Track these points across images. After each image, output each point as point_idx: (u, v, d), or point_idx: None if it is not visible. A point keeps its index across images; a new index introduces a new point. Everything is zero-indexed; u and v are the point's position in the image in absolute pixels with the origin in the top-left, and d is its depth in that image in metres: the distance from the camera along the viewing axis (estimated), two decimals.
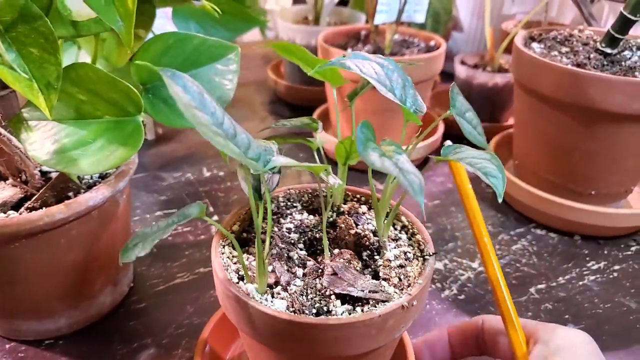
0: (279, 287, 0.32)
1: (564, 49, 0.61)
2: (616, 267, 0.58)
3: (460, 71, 0.83)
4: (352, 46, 0.77)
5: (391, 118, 0.73)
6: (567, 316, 0.51)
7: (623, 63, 0.57)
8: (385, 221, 0.36)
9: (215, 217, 0.63)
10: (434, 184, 0.74)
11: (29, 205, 0.39)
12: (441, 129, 0.78)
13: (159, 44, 0.42)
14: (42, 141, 0.36)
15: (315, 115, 0.82)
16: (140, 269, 0.54)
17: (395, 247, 0.36)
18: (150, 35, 0.55)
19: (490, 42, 0.81)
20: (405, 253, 0.35)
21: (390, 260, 0.35)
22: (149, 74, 0.42)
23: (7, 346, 0.45)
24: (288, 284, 0.32)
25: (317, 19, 0.96)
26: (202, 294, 0.51)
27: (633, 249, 0.62)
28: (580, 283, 0.56)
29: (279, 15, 0.96)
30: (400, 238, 0.37)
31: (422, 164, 0.79)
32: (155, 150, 0.79)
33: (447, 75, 0.99)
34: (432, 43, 0.77)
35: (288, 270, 0.33)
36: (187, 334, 0.47)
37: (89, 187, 0.42)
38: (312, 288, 0.32)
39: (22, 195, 0.41)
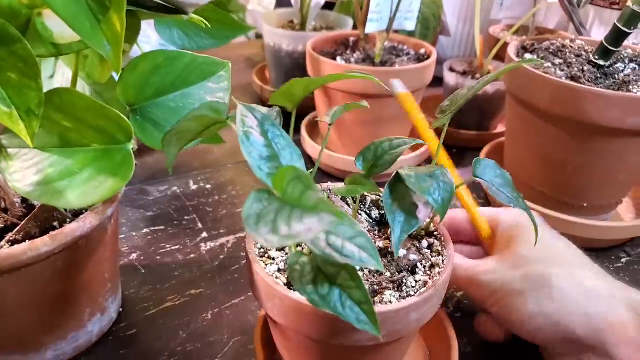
0: None
1: (557, 61, 0.61)
2: None
3: (450, 79, 0.83)
4: (340, 54, 0.76)
5: (380, 129, 0.72)
6: None
7: (617, 76, 0.57)
8: None
9: (205, 234, 0.61)
10: None
11: (11, 238, 0.36)
12: None
13: (147, 62, 0.40)
14: (23, 171, 0.34)
15: (304, 124, 0.81)
16: (128, 292, 0.52)
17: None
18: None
19: (480, 50, 0.80)
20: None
21: None
22: (137, 94, 0.41)
23: None
24: None
25: (304, 23, 0.94)
26: (194, 318, 0.50)
27: (623, 260, 0.62)
28: None
29: (263, 19, 0.94)
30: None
31: None
32: (139, 162, 0.76)
33: (434, 80, 0.98)
34: (422, 51, 0.76)
35: None
36: None
37: (75, 215, 0.40)
38: None
39: (2, 226, 0.38)
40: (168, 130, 0.32)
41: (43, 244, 0.35)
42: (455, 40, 1.07)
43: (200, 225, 0.63)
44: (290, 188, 0.25)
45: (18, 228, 0.37)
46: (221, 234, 0.62)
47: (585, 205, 0.61)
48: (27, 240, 0.35)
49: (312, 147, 0.75)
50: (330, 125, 0.39)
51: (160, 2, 0.41)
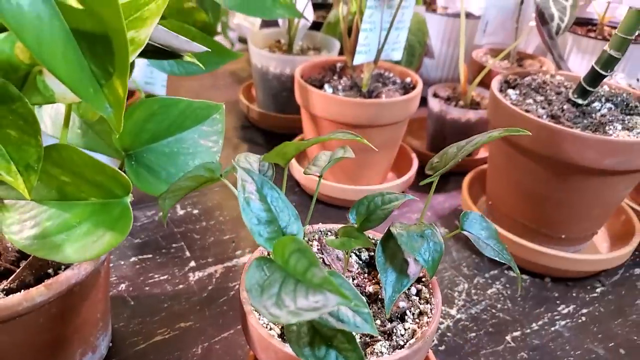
0: None
1: (538, 98, 0.63)
2: (584, 311, 0.60)
3: (434, 105, 0.84)
4: (328, 80, 0.77)
5: (367, 157, 0.73)
6: None
7: (594, 115, 0.59)
8: None
9: (193, 263, 0.62)
10: (409, 221, 0.74)
11: (5, 287, 0.37)
12: (415, 164, 0.79)
13: (143, 110, 0.41)
14: (21, 223, 0.34)
15: None
16: (118, 325, 0.52)
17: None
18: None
19: (464, 78, 0.82)
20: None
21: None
22: (133, 140, 0.41)
23: None
24: None
25: (291, 44, 0.95)
26: (184, 352, 0.50)
27: (598, 290, 0.64)
28: (552, 329, 0.57)
29: (250, 40, 0.95)
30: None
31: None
32: None
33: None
34: (407, 80, 0.77)
35: None
36: None
37: None
38: None
39: None
40: (164, 190, 0.33)
41: (38, 293, 0.35)
42: (438, 62, 1.09)
43: (188, 253, 0.64)
44: (293, 260, 0.26)
45: (13, 277, 0.37)
46: (209, 262, 0.62)
47: (563, 236, 0.64)
48: (22, 289, 0.36)
49: (299, 172, 0.76)
50: (320, 177, 0.41)
51: (158, 46, 0.41)
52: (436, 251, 0.33)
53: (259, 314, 0.36)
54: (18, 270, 0.37)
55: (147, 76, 0.83)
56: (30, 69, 0.34)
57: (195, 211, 0.72)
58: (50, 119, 0.50)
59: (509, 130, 0.34)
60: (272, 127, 0.95)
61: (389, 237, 0.35)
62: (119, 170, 0.34)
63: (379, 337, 0.35)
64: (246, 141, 0.93)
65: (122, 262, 0.61)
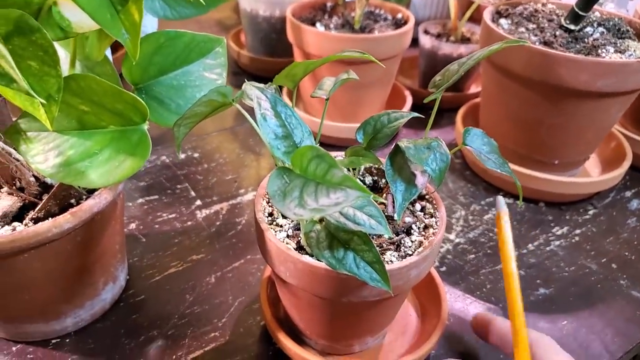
0: None
1: (530, 26, 0.64)
2: (577, 232, 0.64)
3: (425, 41, 0.85)
4: (319, 19, 0.77)
5: (361, 94, 0.75)
6: (538, 281, 0.56)
7: (586, 40, 0.61)
8: None
9: (199, 202, 0.64)
10: None
11: (34, 216, 0.38)
12: (409, 101, 0.81)
13: (150, 43, 0.42)
14: (45, 153, 0.36)
15: (285, 88, 0.83)
16: (132, 260, 0.55)
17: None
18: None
19: (455, 14, 0.83)
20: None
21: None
22: (142, 74, 0.42)
23: (14, 348, 0.45)
24: None
25: None
26: (199, 282, 0.53)
27: (590, 212, 0.67)
28: (547, 249, 0.61)
29: None
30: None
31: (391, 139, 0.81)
32: None
33: None
34: (399, 16, 0.78)
35: None
36: (191, 324, 0.48)
37: (88, 191, 0.41)
38: None
39: (21, 204, 0.40)
40: (180, 116, 0.35)
41: (65, 220, 0.37)
42: (426, 0, 1.09)
43: (193, 193, 0.65)
44: (313, 166, 0.28)
45: (40, 207, 0.38)
46: (214, 201, 0.64)
47: (556, 162, 0.66)
48: (49, 218, 0.38)
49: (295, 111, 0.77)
50: (327, 100, 0.42)
51: None
52: (442, 161, 0.35)
53: (275, 231, 0.39)
54: (44, 201, 0.39)
55: None
56: (44, 2, 0.34)
57: (196, 155, 0.73)
58: None
59: (509, 42, 0.35)
60: (263, 71, 0.95)
61: (396, 152, 0.37)
62: (137, 97, 0.35)
63: (389, 245, 0.38)
64: (238, 87, 0.93)
65: (130, 204, 0.63)
